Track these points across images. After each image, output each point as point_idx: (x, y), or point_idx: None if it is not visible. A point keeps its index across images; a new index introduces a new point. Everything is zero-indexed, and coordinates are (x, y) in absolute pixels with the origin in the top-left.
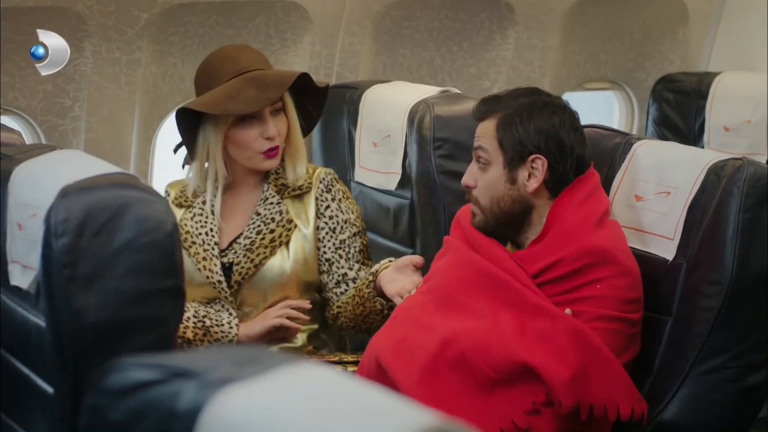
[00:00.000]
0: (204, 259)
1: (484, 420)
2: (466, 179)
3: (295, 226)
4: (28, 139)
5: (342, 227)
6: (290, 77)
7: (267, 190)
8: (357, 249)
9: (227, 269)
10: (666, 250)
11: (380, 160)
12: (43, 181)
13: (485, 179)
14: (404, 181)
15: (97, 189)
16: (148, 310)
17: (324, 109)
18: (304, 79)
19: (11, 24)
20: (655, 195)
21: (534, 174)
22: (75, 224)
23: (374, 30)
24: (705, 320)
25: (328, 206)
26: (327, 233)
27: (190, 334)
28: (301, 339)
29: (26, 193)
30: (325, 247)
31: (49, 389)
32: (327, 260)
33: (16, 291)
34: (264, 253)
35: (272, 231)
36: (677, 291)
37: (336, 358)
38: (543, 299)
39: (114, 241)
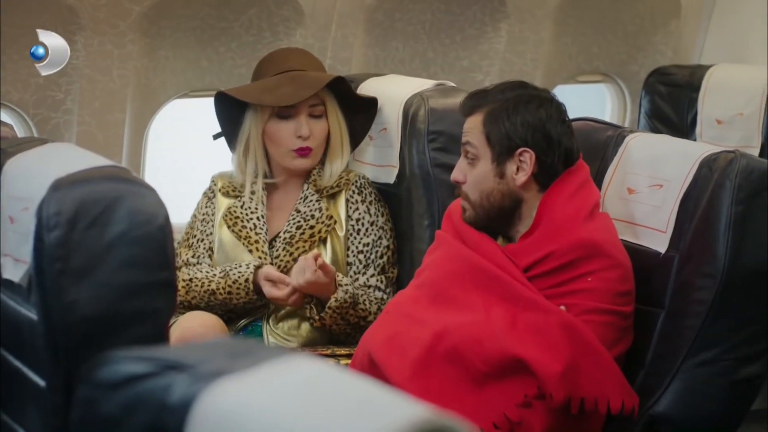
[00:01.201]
0: (256, 242)
1: (477, 413)
2: (455, 175)
3: (335, 222)
4: (20, 132)
5: (368, 230)
6: (327, 78)
7: (307, 189)
8: (379, 254)
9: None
10: (658, 242)
11: (376, 153)
12: (35, 174)
13: (474, 174)
14: (399, 174)
15: (89, 182)
16: (140, 303)
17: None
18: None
19: (3, 17)
20: (648, 188)
21: (522, 167)
22: (67, 217)
23: (367, 23)
24: (697, 313)
25: (356, 208)
26: (352, 235)
27: (214, 286)
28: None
29: (18, 186)
30: (349, 250)
31: (42, 382)
32: (349, 263)
33: (8, 284)
34: (303, 247)
35: (312, 227)
36: (670, 284)
37: (329, 351)
38: (535, 293)
39: (106, 234)
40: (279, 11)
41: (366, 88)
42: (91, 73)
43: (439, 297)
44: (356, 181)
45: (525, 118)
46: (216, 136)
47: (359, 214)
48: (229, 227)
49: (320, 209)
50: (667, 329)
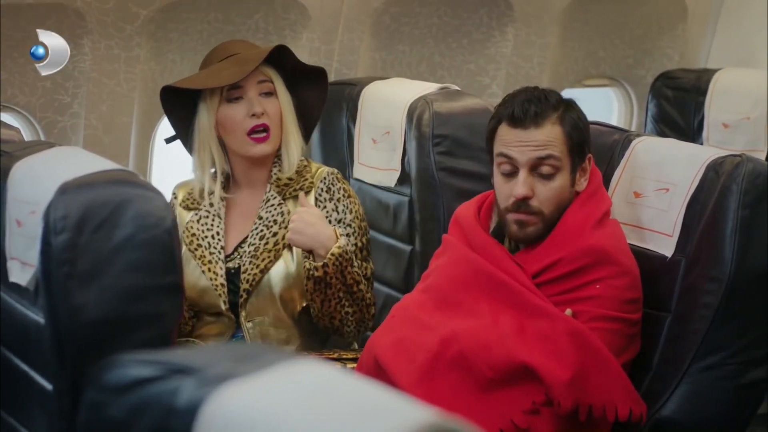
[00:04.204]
0: (209, 262)
1: (484, 419)
2: (523, 191)
3: None
4: (27, 135)
5: (335, 227)
6: (268, 49)
7: (269, 191)
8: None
9: (234, 274)
10: (665, 246)
11: (379, 156)
12: (42, 177)
13: (552, 188)
14: (403, 178)
15: (96, 186)
16: (147, 307)
17: (325, 102)
18: (298, 67)
19: (10, 21)
20: (654, 192)
21: (586, 171)
22: (74, 221)
23: (373, 26)
24: (704, 317)
25: (324, 207)
26: None
27: None
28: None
29: (25, 189)
30: None
31: (48, 386)
32: None
33: (15, 288)
34: (269, 257)
35: (275, 234)
36: (676, 288)
37: (335, 355)
38: (542, 300)
39: (113, 237)
40: (285, 15)
41: (370, 92)
42: (98, 77)
43: (445, 302)
44: (325, 178)
45: (586, 122)
46: (169, 140)
47: (327, 212)
48: (185, 245)
49: (282, 213)
50: (674, 333)
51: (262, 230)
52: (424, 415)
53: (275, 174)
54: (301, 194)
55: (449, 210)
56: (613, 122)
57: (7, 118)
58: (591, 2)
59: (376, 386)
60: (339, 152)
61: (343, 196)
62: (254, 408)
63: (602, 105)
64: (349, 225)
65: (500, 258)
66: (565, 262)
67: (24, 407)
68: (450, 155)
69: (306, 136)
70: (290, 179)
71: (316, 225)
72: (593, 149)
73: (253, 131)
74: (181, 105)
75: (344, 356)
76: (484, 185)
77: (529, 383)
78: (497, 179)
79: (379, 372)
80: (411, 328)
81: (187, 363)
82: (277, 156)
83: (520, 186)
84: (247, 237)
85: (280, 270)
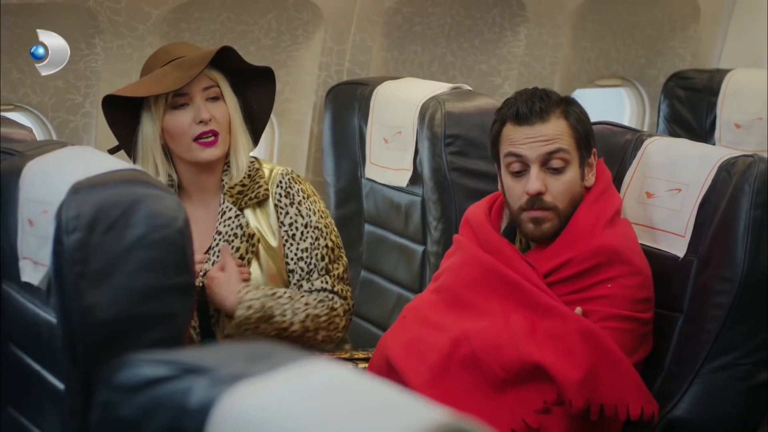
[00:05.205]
0: None
1: (495, 419)
2: (536, 186)
3: (259, 240)
4: (39, 135)
5: (303, 233)
6: (212, 51)
7: (224, 203)
8: (319, 257)
9: (198, 293)
10: (677, 247)
11: (391, 156)
12: (54, 177)
13: (564, 182)
14: (415, 178)
15: (108, 185)
16: (158, 307)
17: (274, 103)
18: (250, 70)
19: (22, 20)
20: (666, 192)
21: (592, 167)
22: (86, 221)
23: (385, 26)
24: (716, 317)
25: (287, 213)
26: (288, 241)
27: None
28: None
29: (37, 189)
30: (288, 257)
31: (60, 385)
32: (290, 271)
33: (28, 287)
34: None
35: (237, 249)
36: (688, 288)
37: (347, 355)
38: (554, 299)
39: (125, 237)
40: (298, 15)
41: (382, 91)
42: (110, 77)
43: (456, 302)
44: (280, 182)
45: (588, 117)
46: (112, 151)
47: (291, 218)
48: None
49: (240, 226)
50: (686, 333)
51: (224, 247)
52: (436, 414)
53: (226, 182)
54: (224, 247)
55: (461, 210)
56: (625, 122)
57: (20, 117)
58: (603, 2)
59: (389, 386)
60: (351, 152)
61: (304, 198)
62: (267, 408)
63: (614, 105)
64: (317, 227)
65: (511, 258)
66: (577, 262)
67: (36, 406)
68: (462, 155)
69: (255, 139)
70: (243, 186)
71: (220, 294)
72: (605, 149)
73: (200, 137)
74: (122, 114)
75: (356, 356)
76: (496, 185)
77: (541, 383)
78: (507, 181)
79: (390, 372)
80: (422, 328)
81: (199, 363)
82: (226, 163)
83: (533, 181)
84: (206, 253)
85: (250, 284)
